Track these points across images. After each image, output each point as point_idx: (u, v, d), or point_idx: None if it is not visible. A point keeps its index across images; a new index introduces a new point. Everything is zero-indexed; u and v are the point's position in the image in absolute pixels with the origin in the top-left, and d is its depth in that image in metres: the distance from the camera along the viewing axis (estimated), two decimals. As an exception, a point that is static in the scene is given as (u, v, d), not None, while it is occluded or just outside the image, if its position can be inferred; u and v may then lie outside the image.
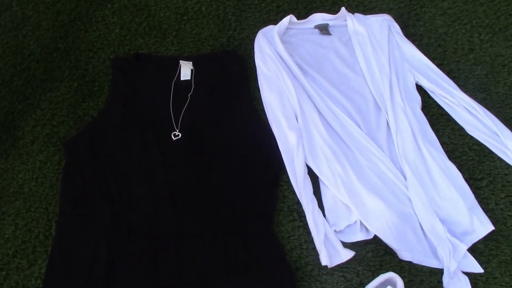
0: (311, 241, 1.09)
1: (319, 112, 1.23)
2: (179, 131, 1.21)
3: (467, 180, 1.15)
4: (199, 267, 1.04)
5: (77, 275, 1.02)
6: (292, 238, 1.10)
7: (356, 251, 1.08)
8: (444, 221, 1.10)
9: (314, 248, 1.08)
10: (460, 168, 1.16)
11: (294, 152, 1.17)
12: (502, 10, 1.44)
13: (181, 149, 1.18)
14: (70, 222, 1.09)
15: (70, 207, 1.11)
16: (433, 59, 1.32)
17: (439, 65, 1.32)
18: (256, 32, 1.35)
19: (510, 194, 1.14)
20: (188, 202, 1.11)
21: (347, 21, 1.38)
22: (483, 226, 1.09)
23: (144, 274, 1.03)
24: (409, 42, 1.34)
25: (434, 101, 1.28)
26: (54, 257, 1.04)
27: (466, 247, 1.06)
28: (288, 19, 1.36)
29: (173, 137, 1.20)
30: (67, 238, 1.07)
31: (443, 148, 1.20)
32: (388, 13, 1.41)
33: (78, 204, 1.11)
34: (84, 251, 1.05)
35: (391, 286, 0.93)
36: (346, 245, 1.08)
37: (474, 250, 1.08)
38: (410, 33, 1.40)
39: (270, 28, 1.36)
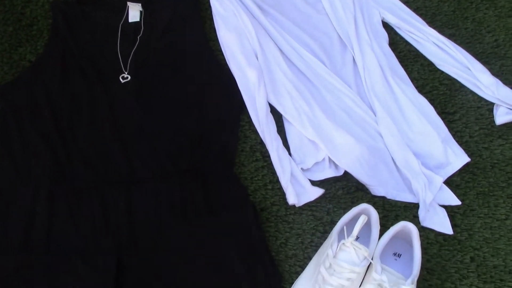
0: (276, 181, 1.00)
1: (281, 51, 1.14)
2: (128, 73, 1.10)
3: (439, 114, 1.08)
4: (154, 215, 0.93)
5: (13, 232, 0.90)
6: (255, 179, 1.01)
7: (326, 189, 0.99)
8: (418, 155, 1.03)
9: (280, 188, 0.99)
10: (431, 102, 1.10)
11: (255, 89, 1.07)
12: (466, -51, 1.38)
13: (131, 91, 1.07)
14: (6, 172, 0.97)
15: (6, 156, 0.98)
16: (398, -3, 1.25)
17: (404, 3, 1.25)
18: (211, -28, 1.25)
19: (484, 127, 1.08)
20: (141, 147, 1.01)
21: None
22: (458, 158, 1.02)
23: (91, 226, 0.92)
24: (373, -21, 1.27)
25: (402, 38, 1.21)
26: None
27: (442, 179, 0.99)
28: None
29: (121, 80, 1.09)
30: (2, 190, 0.95)
31: (413, 84, 1.13)
32: (350, -48, 1.33)
33: (16, 153, 0.98)
34: (21, 205, 0.93)
35: (366, 215, 0.85)
36: (314, 183, 1.00)
37: (449, 183, 1.01)
38: (374, -28, 1.32)
39: (225, -33, 1.26)
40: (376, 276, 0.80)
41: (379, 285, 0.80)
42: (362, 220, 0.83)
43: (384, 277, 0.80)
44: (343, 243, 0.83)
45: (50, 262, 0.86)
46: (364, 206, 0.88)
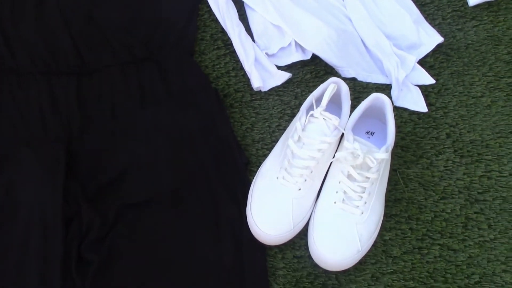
0: (240, 68, 0.93)
1: None
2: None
3: (409, -2, 1.02)
4: (108, 103, 0.86)
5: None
6: (217, 66, 0.93)
7: (293, 74, 0.93)
8: (389, 36, 0.97)
9: (245, 75, 0.93)
10: (401, -13, 1.03)
11: (213, -24, 0.99)
12: None
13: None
14: None
15: None
16: None
17: None
18: None
19: (457, 9, 1.02)
20: (92, 37, 0.92)
21: None
22: (431, 38, 0.97)
23: (40, 118, 0.84)
24: None
25: None
26: None
27: (415, 58, 0.94)
28: None
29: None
30: None
31: (382, -30, 1.06)
32: None
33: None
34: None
35: (335, 83, 0.79)
36: (281, 68, 0.93)
37: (423, 64, 0.96)
38: None
39: None
40: (348, 145, 0.75)
41: (352, 153, 0.74)
42: (331, 88, 0.77)
43: (357, 145, 0.74)
44: (312, 115, 0.77)
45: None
46: (333, 79, 0.82)
